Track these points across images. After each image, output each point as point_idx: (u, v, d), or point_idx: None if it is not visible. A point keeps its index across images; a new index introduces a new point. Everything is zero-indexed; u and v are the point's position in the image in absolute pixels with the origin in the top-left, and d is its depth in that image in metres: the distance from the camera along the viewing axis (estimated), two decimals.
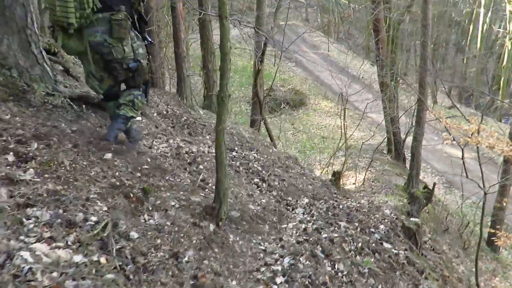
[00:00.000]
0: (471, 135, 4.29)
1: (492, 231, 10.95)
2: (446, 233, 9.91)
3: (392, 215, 5.20)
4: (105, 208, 2.08)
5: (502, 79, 25.67)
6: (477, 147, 4.92)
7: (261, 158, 5.12)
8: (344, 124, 9.41)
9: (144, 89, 3.14)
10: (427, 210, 9.69)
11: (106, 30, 2.76)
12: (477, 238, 11.08)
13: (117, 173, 2.53)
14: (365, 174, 10.61)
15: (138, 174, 2.71)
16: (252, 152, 5.23)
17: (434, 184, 9.11)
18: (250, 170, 4.35)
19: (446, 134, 4.48)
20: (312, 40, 31.56)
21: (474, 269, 9.30)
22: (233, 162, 4.33)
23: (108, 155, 2.64)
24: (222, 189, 2.75)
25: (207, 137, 4.73)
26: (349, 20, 34.67)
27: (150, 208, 2.45)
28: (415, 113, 8.87)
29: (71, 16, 2.60)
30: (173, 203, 2.65)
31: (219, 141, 2.71)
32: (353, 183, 11.07)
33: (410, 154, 16.18)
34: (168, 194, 2.73)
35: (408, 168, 13.02)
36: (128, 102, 3.00)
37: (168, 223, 2.38)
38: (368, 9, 15.49)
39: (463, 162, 5.20)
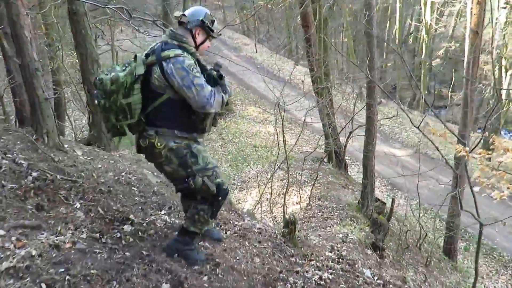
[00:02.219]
0: None
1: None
2: (406, 250, 8.71)
3: (376, 278, 3.62)
4: None
5: (422, 72, 26.04)
6: (467, 175, 3.50)
7: (177, 222, 3.25)
8: (284, 138, 7.80)
9: (211, 202, 2.63)
10: None
11: None
12: (434, 248, 10.09)
13: None
14: (311, 192, 9.10)
15: None
16: (162, 212, 3.33)
17: (393, 200, 7.86)
18: (154, 262, 2.44)
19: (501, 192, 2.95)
20: (233, 42, 30.12)
21: None
22: (117, 256, 2.40)
23: None
24: None
25: (77, 204, 2.75)
26: (268, 21, 33.88)
27: None
28: (365, 121, 7.50)
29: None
30: None
31: None
32: (297, 203, 9.54)
33: (349, 158, 15.23)
34: None
35: (360, 181, 11.83)
36: (191, 216, 2.64)
37: None
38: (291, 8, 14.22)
39: (458, 191, 3.75)
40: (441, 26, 26.35)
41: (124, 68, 2.38)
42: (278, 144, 8.89)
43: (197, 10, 2.56)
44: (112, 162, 3.92)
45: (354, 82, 15.22)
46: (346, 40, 27.99)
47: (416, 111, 25.18)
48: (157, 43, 2.46)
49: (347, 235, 5.97)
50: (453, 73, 21.67)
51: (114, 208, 2.95)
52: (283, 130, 7.50)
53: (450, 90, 25.08)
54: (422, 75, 26.07)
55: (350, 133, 10.90)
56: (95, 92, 2.39)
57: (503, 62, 18.59)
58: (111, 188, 3.28)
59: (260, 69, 18.17)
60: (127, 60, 2.45)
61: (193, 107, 2.38)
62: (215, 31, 2.60)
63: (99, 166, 3.66)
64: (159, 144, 2.42)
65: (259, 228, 4.08)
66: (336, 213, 7.67)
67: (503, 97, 20.03)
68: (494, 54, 18.07)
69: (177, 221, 3.26)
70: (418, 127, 3.63)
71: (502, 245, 11.36)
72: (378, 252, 6.35)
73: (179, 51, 2.38)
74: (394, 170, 15.00)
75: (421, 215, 11.77)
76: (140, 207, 3.24)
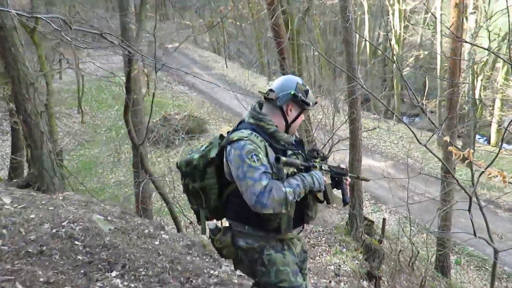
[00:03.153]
0: None
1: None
2: (399, 272, 8.10)
3: None
4: None
5: (395, 81, 26.09)
6: (475, 194, 2.97)
7: (134, 285, 2.50)
8: None
9: None
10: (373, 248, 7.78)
11: None
12: (427, 265, 9.51)
13: None
14: None
15: None
16: (113, 274, 2.58)
17: (384, 220, 7.27)
18: None
19: None
20: (204, 61, 29.55)
21: None
22: None
23: None
24: None
25: None
26: (238, 39, 33.69)
27: None
28: (349, 136, 6.93)
29: None
30: None
31: None
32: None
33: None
34: None
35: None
36: None
37: None
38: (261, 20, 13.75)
39: (470, 214, 3.15)
40: (410, 35, 26.59)
41: (204, 149, 2.12)
42: None
43: (287, 82, 2.12)
44: (52, 208, 3.15)
45: (330, 94, 14.77)
46: (316, 53, 27.86)
47: (391, 121, 25.12)
48: (241, 121, 2.17)
49: (340, 266, 5.31)
50: (426, 81, 21.70)
51: (42, 279, 2.19)
52: None
53: (424, 98, 25.08)
54: (394, 84, 26.12)
55: (331, 148, 10.35)
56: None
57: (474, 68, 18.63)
58: (44, 247, 2.52)
59: (232, 86, 17.60)
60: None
61: None
62: (311, 103, 2.14)
63: (32, 216, 2.89)
64: (218, 242, 2.10)
65: (240, 275, 3.38)
66: (323, 238, 6.99)
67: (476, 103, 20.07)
68: None
69: (133, 285, 2.51)
70: (425, 145, 3.03)
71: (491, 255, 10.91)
72: (374, 281, 5.72)
73: (244, 134, 1.99)
74: (377, 183, 14.55)
75: (410, 230, 11.26)
76: (82, 271, 2.48)
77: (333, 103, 14.17)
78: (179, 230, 4.46)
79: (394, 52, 25.91)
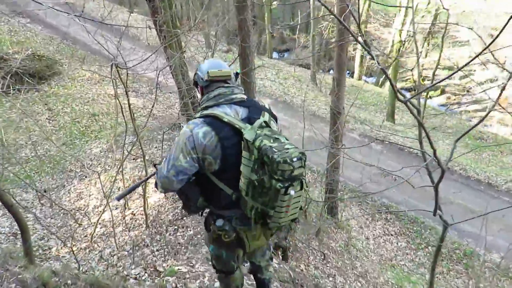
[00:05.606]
0: None
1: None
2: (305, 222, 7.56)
3: None
4: None
5: (266, 15, 25.28)
6: (427, 167, 2.09)
7: None
8: (130, 110, 5.51)
9: None
10: None
11: None
12: (321, 210, 9.24)
13: None
14: None
15: None
16: None
17: None
18: None
19: None
20: None
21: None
22: None
23: None
24: None
25: None
26: None
27: None
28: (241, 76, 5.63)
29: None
30: None
31: None
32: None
33: None
34: None
35: None
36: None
37: None
38: None
39: (436, 189, 2.25)
40: None
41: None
42: (123, 114, 6.50)
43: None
44: None
45: (202, 30, 13.12)
46: None
47: (265, 57, 24.62)
48: (243, 100, 2.18)
49: None
50: (299, 15, 21.34)
51: None
52: (129, 103, 5.20)
53: (297, 33, 25.00)
54: (266, 19, 25.36)
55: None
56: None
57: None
58: None
59: (86, 17, 14.63)
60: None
61: None
62: None
63: None
64: None
65: None
66: None
67: None
68: None
69: None
70: (405, 102, 1.93)
71: (373, 190, 11.25)
72: (282, 252, 4.87)
73: None
74: None
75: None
76: None
77: (206, 39, 12.59)
78: (27, 254, 2.78)
79: None
